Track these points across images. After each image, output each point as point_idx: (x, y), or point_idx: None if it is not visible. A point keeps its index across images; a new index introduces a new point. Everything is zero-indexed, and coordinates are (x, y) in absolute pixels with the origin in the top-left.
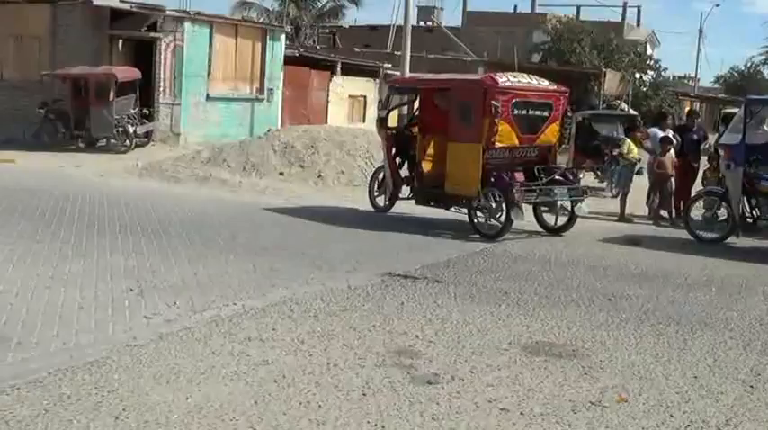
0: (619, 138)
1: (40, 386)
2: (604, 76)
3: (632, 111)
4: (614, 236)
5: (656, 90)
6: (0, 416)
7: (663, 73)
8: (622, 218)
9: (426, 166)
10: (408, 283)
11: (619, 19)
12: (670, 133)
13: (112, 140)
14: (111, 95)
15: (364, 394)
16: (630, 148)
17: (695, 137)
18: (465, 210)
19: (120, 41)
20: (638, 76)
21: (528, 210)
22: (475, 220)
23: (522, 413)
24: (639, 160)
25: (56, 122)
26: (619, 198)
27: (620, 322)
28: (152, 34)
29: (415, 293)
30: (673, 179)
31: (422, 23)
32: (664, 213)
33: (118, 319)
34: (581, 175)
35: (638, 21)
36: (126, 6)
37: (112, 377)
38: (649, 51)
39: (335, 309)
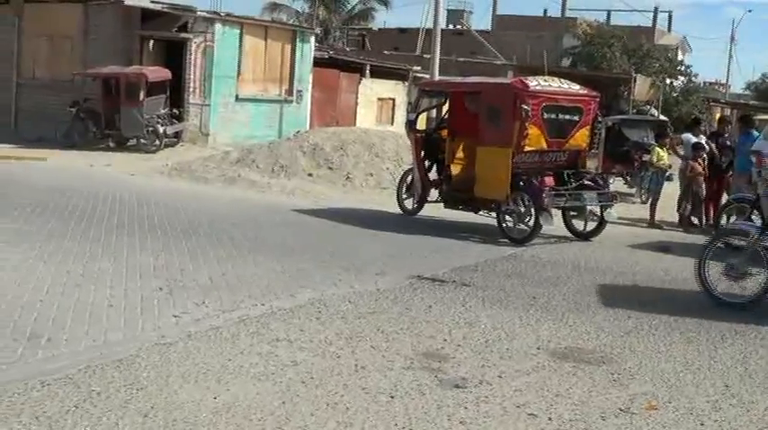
0: (649, 144)
1: (70, 382)
2: (634, 82)
3: (662, 117)
4: (643, 242)
5: (686, 96)
6: (30, 412)
7: (693, 79)
8: (652, 224)
9: (455, 170)
10: (436, 287)
11: (650, 24)
12: (703, 139)
13: (142, 140)
14: (142, 95)
15: (392, 397)
16: (660, 156)
17: (727, 143)
18: (494, 214)
19: (151, 42)
20: (668, 81)
21: (557, 214)
22: (503, 224)
23: (550, 418)
24: (670, 166)
25: (86, 121)
26: (648, 204)
27: (650, 329)
28: (182, 35)
29: (444, 297)
30: (704, 186)
31: (451, 26)
32: (694, 220)
33: (147, 318)
34: (611, 181)
35: (669, 26)
36: (157, 7)
37: (141, 375)
38: (680, 57)
39: (364, 311)
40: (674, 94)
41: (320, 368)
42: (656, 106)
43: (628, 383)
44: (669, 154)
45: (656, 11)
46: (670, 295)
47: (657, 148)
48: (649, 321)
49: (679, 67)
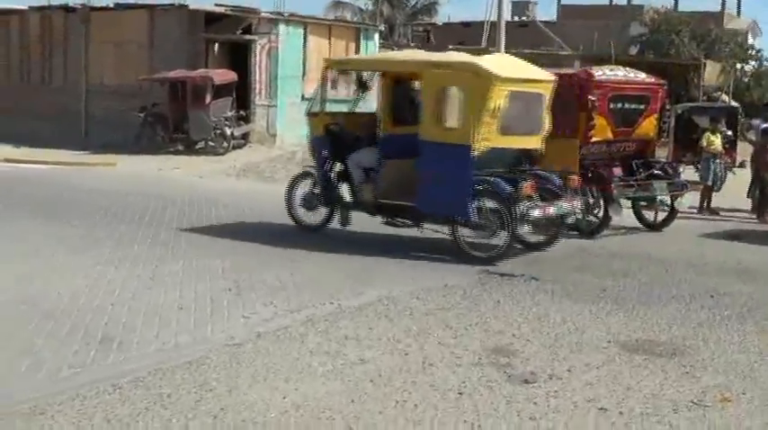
0: (720, 131)
1: (141, 385)
2: (704, 68)
3: (734, 103)
4: (715, 231)
5: (758, 80)
6: (102, 415)
7: (765, 62)
8: (706, 209)
9: None
10: (505, 281)
11: (718, 9)
12: None
13: (210, 143)
14: (209, 98)
15: (461, 393)
16: (710, 141)
17: None
18: None
19: (216, 44)
20: (739, 66)
21: (626, 205)
22: None
23: (621, 412)
24: (722, 153)
25: (155, 126)
26: (700, 191)
27: (723, 320)
28: (247, 37)
29: (512, 291)
30: None
31: (516, 18)
32: None
33: (216, 319)
34: (681, 169)
35: (738, 10)
36: (221, 10)
37: (211, 376)
38: (751, 41)
39: (432, 307)
40: (746, 79)
41: (388, 365)
42: (726, 92)
43: (700, 375)
44: (725, 140)
45: None
46: (743, 285)
47: (708, 133)
48: (722, 312)
49: (750, 51)
